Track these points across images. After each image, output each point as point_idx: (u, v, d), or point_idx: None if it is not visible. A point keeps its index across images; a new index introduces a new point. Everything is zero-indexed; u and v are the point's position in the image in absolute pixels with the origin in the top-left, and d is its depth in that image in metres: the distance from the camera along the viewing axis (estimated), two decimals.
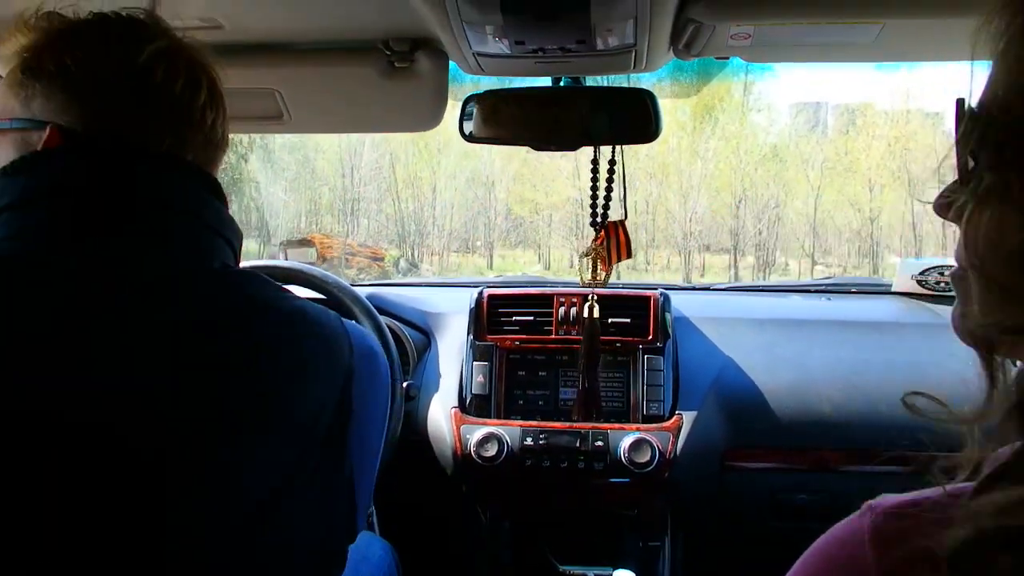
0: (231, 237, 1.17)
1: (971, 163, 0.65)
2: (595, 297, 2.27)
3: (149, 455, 0.95)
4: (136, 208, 1.08)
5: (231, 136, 1.33)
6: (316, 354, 1.12)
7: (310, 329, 1.14)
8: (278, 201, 15.16)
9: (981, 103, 0.65)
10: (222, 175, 1.26)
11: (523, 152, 15.70)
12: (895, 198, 15.22)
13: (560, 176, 15.64)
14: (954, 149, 0.67)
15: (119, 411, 0.95)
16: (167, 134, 1.17)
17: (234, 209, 1.26)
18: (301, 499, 1.07)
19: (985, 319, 0.63)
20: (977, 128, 0.64)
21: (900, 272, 2.98)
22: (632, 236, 2.08)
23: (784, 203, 15.47)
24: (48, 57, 1.13)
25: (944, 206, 0.70)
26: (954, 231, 0.70)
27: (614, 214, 2.05)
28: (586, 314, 2.27)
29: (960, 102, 0.68)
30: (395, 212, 16.23)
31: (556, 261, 15.58)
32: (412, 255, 15.55)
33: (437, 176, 16.10)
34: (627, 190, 2.09)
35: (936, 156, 14.50)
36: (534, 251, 15.64)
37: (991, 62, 0.64)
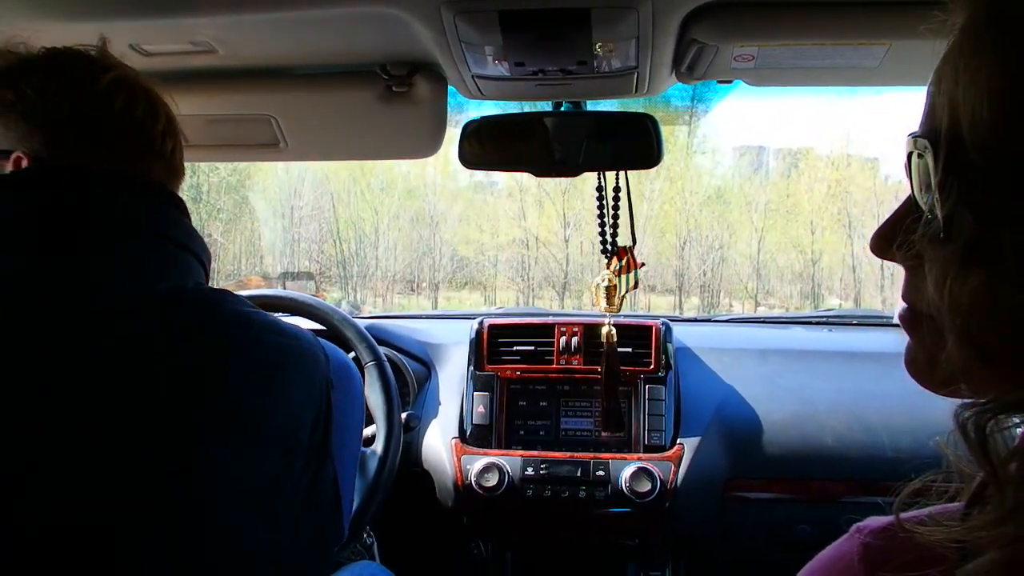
0: (200, 253, 1.21)
1: (934, 209, 0.58)
2: (611, 323, 2.25)
3: (125, 466, 0.99)
4: (107, 230, 1.12)
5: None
6: (292, 363, 1.17)
7: (285, 340, 1.19)
8: (214, 244, 14.90)
9: (949, 134, 0.56)
10: None
11: (468, 192, 15.82)
12: (836, 240, 15.19)
13: (506, 216, 15.55)
14: (917, 191, 0.61)
15: (91, 427, 0.99)
16: (131, 159, 1.21)
17: None
18: (289, 502, 1.13)
19: (975, 393, 0.57)
20: (957, 169, 0.55)
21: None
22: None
23: (728, 244, 15.38)
24: (4, 88, 1.17)
25: (910, 260, 0.63)
26: (893, 271, 0.66)
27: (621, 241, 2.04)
28: (604, 339, 2.25)
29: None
30: (336, 253, 16.10)
31: (502, 302, 15.42)
32: (355, 297, 15.38)
33: (380, 216, 15.87)
34: (633, 217, 2.08)
35: (876, 200, 14.49)
36: (480, 293, 15.49)
37: (960, 78, 0.56)
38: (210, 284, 1.26)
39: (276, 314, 2.42)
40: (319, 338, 1.28)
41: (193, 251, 1.20)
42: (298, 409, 1.16)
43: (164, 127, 1.27)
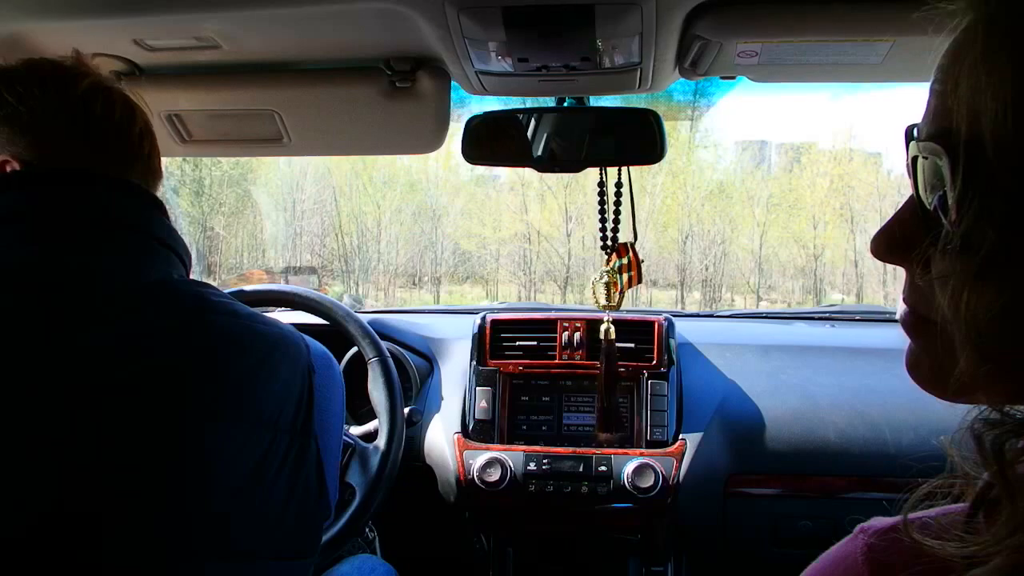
0: (180, 250, 1.25)
1: (949, 217, 0.55)
2: (611, 319, 2.26)
3: (121, 456, 1.02)
4: (93, 227, 1.15)
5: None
6: (276, 350, 1.21)
7: (270, 329, 1.23)
8: (216, 237, 14.88)
9: (968, 143, 0.53)
10: None
11: (470, 186, 15.79)
12: (838, 235, 15.13)
13: (508, 211, 15.48)
14: (923, 190, 0.59)
15: (84, 415, 1.01)
16: (114, 160, 1.25)
17: None
18: (276, 485, 1.16)
19: (990, 403, 0.56)
20: (978, 180, 0.53)
21: None
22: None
23: (730, 239, 15.31)
24: None
25: (916, 264, 0.60)
26: (896, 267, 0.65)
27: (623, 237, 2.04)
28: (603, 336, 2.26)
29: (910, 131, 0.62)
30: (338, 247, 16.06)
31: (504, 297, 15.42)
32: (356, 290, 15.35)
33: (382, 210, 15.78)
34: (634, 212, 2.07)
35: (878, 194, 14.40)
36: (482, 286, 15.47)
37: (980, 82, 0.53)
38: (210, 279, 1.27)
39: (279, 309, 2.44)
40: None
41: (175, 249, 1.23)
42: (282, 398, 1.20)
43: (141, 129, 1.31)
